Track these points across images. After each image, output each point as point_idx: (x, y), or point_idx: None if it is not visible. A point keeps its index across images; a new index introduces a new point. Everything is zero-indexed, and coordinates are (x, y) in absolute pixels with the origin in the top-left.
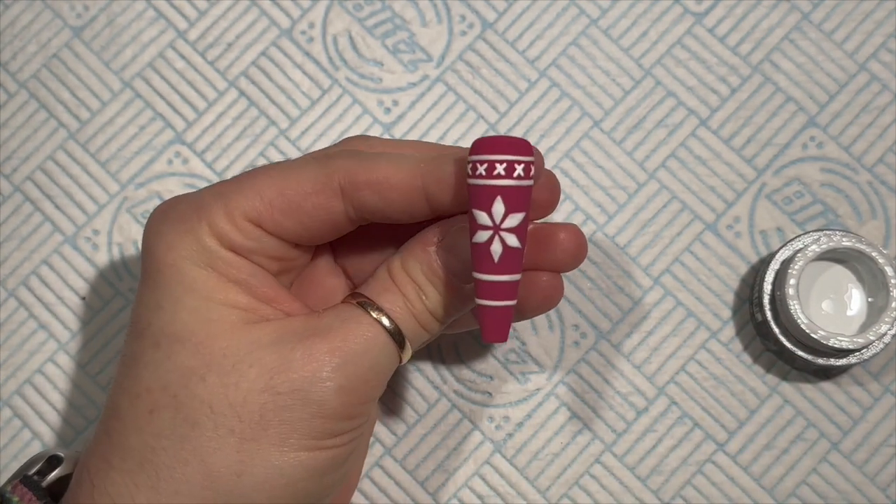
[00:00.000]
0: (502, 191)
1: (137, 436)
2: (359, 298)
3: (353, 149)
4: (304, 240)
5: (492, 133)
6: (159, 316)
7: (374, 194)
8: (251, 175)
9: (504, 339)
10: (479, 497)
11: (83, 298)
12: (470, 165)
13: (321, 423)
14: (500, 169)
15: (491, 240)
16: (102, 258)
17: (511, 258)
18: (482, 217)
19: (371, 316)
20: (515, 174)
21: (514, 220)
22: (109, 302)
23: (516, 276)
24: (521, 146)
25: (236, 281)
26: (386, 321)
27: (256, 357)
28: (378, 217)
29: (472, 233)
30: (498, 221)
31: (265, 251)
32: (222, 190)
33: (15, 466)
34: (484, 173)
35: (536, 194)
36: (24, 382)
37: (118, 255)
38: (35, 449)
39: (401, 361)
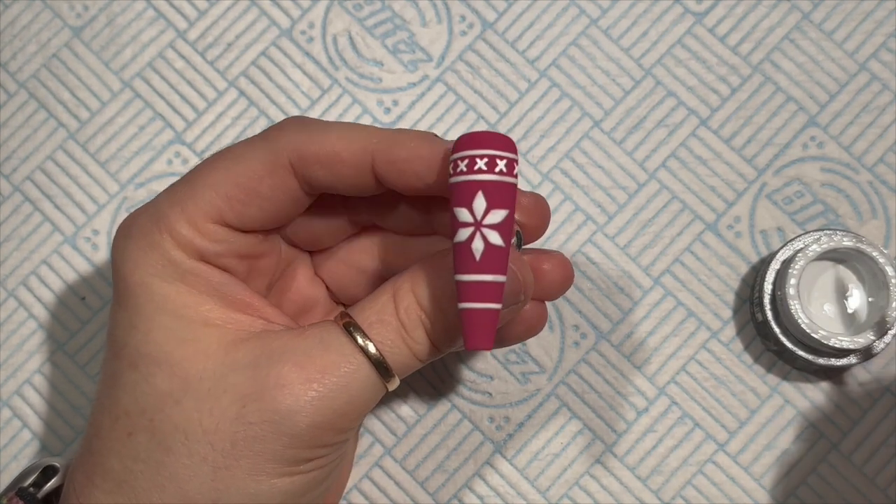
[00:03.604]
0: (483, 185)
1: (117, 458)
2: (346, 320)
3: (299, 117)
4: (269, 224)
5: None
6: (134, 336)
7: (323, 169)
8: (201, 171)
9: (489, 345)
10: (479, 497)
11: (83, 298)
12: (451, 165)
13: (294, 453)
14: (480, 164)
15: (472, 237)
16: (102, 258)
17: (494, 257)
18: (463, 214)
19: (356, 344)
20: (497, 169)
21: (497, 216)
22: (109, 302)
23: (500, 278)
24: (503, 142)
25: (208, 292)
26: (372, 351)
27: (231, 381)
28: (332, 190)
29: (453, 233)
30: (479, 217)
31: (232, 251)
32: (177, 195)
33: (14, 467)
34: (465, 169)
35: (526, 218)
36: (24, 382)
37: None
38: (34, 449)
39: (386, 391)
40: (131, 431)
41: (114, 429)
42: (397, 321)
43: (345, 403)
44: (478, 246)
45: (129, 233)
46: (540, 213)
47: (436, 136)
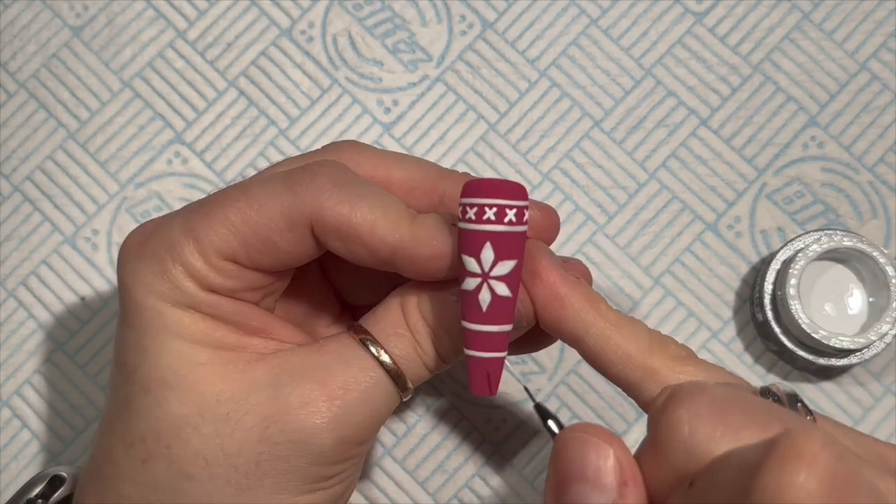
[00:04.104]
0: (492, 237)
1: (132, 486)
2: (362, 334)
3: (332, 163)
4: (280, 268)
5: (492, 133)
6: (145, 360)
7: (340, 241)
8: (220, 203)
9: (492, 392)
10: (479, 497)
11: (83, 298)
12: (460, 209)
13: (318, 470)
14: (489, 213)
15: (479, 288)
16: (102, 258)
17: (500, 308)
18: (471, 263)
19: (375, 359)
20: (506, 219)
21: (505, 267)
22: (109, 302)
23: (506, 327)
24: (513, 190)
25: (221, 319)
26: (390, 364)
27: (252, 403)
28: (342, 256)
29: (461, 279)
30: (487, 269)
31: (243, 286)
32: (191, 224)
33: (14, 467)
34: (473, 217)
35: (534, 233)
36: (24, 382)
37: (118, 256)
38: (34, 449)
39: (401, 400)
40: (146, 458)
41: (128, 455)
42: (410, 334)
43: (366, 417)
44: (485, 297)
45: (140, 254)
46: (549, 227)
47: (454, 225)
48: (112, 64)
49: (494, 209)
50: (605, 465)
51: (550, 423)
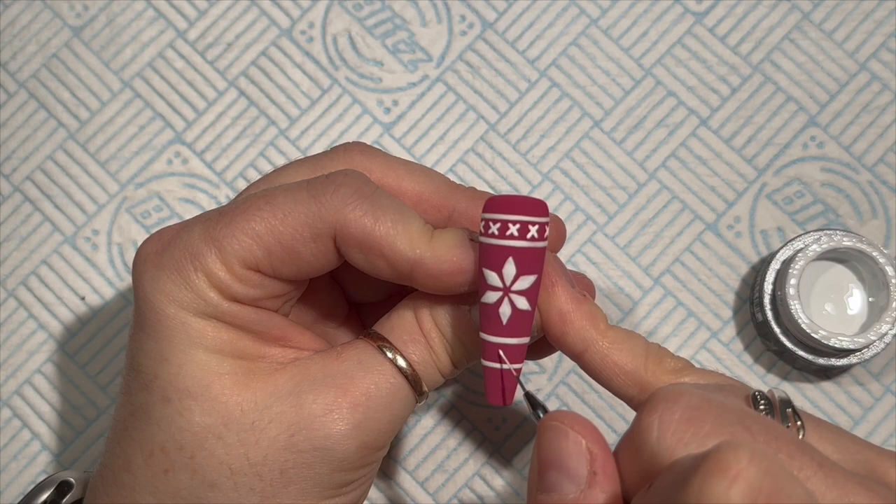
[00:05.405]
0: (514, 252)
1: (152, 495)
2: (380, 342)
3: (355, 174)
4: (301, 277)
5: (492, 133)
6: (165, 369)
7: (361, 254)
8: (242, 212)
9: (508, 402)
10: (479, 497)
11: (83, 298)
12: (483, 224)
13: (340, 476)
14: (513, 230)
15: (500, 301)
16: (102, 258)
17: (520, 321)
18: (492, 278)
19: (393, 365)
20: (529, 235)
21: (526, 282)
22: (109, 302)
23: (524, 340)
24: (535, 207)
25: (243, 328)
26: (408, 369)
27: (276, 411)
28: (359, 268)
29: (482, 292)
30: (508, 283)
31: (266, 294)
32: (213, 232)
33: (14, 467)
34: (496, 233)
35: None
36: (24, 382)
37: (118, 255)
38: (35, 449)
39: (416, 403)
40: (168, 469)
41: (148, 465)
42: (425, 341)
43: (387, 422)
44: (505, 311)
45: (159, 262)
46: (555, 236)
47: (473, 240)
48: (112, 64)
49: (518, 225)
50: (576, 454)
51: (539, 412)
